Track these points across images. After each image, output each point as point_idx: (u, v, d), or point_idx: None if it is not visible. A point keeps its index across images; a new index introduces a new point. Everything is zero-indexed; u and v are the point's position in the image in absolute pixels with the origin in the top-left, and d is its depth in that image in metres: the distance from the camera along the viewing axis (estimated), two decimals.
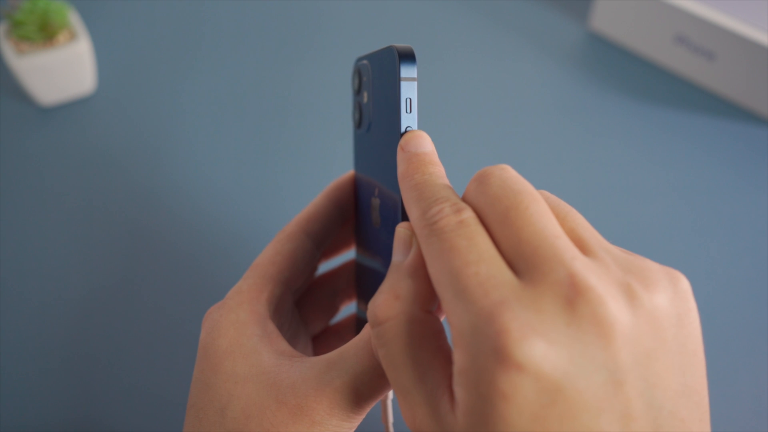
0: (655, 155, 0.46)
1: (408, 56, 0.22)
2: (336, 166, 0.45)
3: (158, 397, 0.34)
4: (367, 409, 0.22)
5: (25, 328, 0.37)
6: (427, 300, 0.19)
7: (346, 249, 0.31)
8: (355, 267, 0.30)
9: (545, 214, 0.17)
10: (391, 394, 0.26)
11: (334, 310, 0.30)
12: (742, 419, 0.34)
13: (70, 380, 0.35)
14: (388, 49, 0.23)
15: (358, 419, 0.22)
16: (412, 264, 0.19)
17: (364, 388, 0.21)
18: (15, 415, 0.33)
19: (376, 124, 0.25)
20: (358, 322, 0.30)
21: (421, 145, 0.21)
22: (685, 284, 0.17)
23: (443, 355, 0.18)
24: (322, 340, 0.31)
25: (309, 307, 0.30)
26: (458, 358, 0.16)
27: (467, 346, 0.16)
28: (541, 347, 0.15)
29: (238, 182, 0.44)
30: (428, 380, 0.18)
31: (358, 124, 0.27)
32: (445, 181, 0.20)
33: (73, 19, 0.47)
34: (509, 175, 0.19)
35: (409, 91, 0.22)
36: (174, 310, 0.38)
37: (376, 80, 0.24)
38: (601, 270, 0.16)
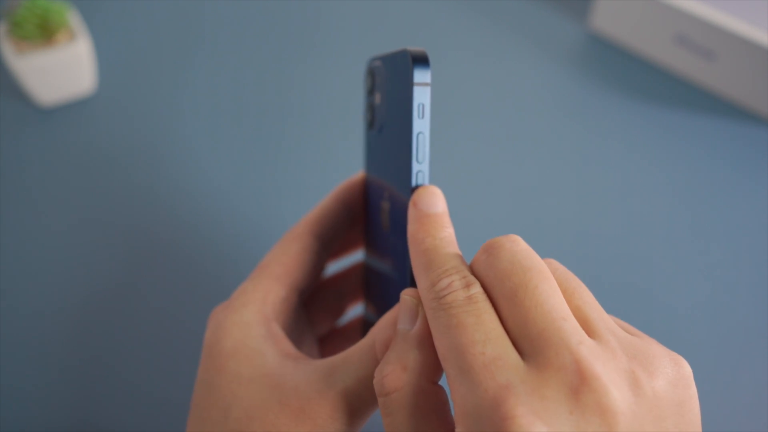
0: (655, 155, 0.46)
1: (422, 60, 0.22)
2: (338, 166, 0.45)
3: (161, 398, 0.34)
4: (369, 414, 0.22)
5: (26, 329, 0.37)
6: (433, 372, 0.19)
7: (354, 250, 0.31)
8: (364, 269, 0.30)
9: (553, 294, 0.17)
10: None
11: (341, 311, 0.30)
12: (742, 419, 0.34)
13: (72, 381, 0.35)
14: (402, 53, 0.23)
15: (361, 423, 0.22)
16: (419, 334, 0.20)
17: (367, 393, 0.21)
18: (16, 417, 0.33)
19: (388, 126, 0.24)
20: (364, 325, 0.30)
21: (433, 205, 0.21)
22: (687, 370, 0.18)
23: (447, 428, 0.19)
24: (329, 342, 0.31)
25: (316, 308, 0.30)
26: (459, 422, 0.16)
27: (471, 425, 0.16)
28: (539, 425, 0.15)
29: (239, 182, 0.44)
30: None
31: (370, 125, 0.27)
32: (456, 248, 0.20)
33: (73, 19, 0.47)
34: (519, 248, 0.19)
35: (422, 96, 0.22)
36: (176, 311, 0.38)
37: (390, 83, 0.24)
38: (607, 356, 0.16)
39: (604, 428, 0.15)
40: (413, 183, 0.22)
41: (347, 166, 0.45)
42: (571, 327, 0.17)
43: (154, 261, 0.40)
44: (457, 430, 0.17)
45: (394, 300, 0.25)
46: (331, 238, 0.28)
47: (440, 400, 0.19)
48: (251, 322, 0.23)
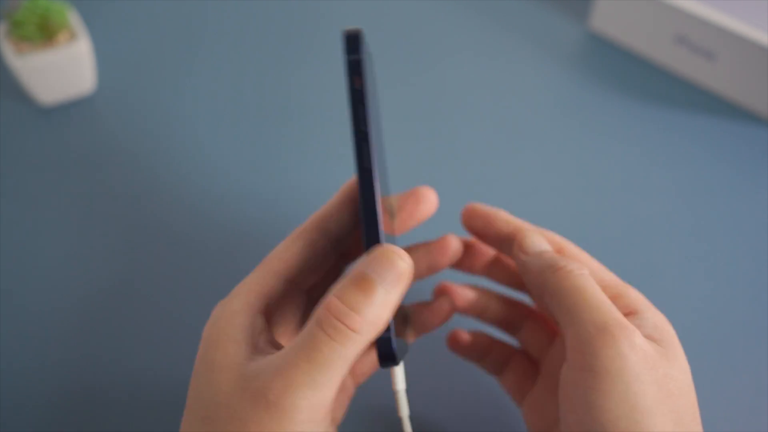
0: (655, 155, 0.46)
1: (354, 37, 0.22)
2: (340, 166, 0.45)
3: (160, 397, 0.34)
4: (329, 393, 0.21)
5: (26, 328, 0.37)
6: None
7: None
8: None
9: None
10: (402, 384, 0.25)
11: None
12: (742, 419, 0.34)
13: (71, 381, 0.35)
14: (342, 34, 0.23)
15: (319, 402, 0.21)
16: None
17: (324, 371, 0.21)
18: (16, 417, 0.33)
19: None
20: None
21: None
22: None
23: None
24: None
25: None
26: (649, 307, 0.26)
27: (601, 324, 0.23)
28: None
29: (240, 182, 0.44)
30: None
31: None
32: None
33: (73, 19, 0.47)
34: None
35: (355, 74, 0.22)
36: (177, 309, 0.38)
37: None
38: None
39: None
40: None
41: (350, 166, 0.45)
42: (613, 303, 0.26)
43: (155, 260, 0.40)
44: (643, 311, 0.25)
45: None
46: (340, 235, 0.28)
47: None
48: (236, 312, 0.24)
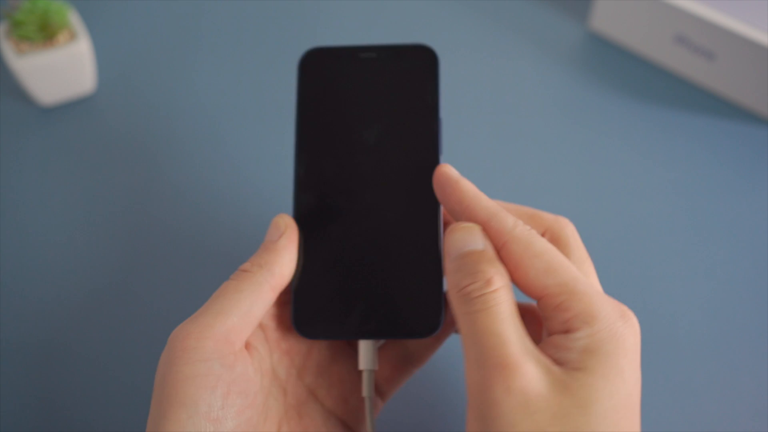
0: (655, 155, 0.46)
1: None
2: None
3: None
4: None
5: (25, 328, 0.37)
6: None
7: None
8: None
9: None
10: (369, 402, 0.26)
11: None
12: (742, 419, 0.34)
13: (71, 381, 0.35)
14: (420, 47, 0.28)
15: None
16: (493, 253, 0.23)
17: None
18: (15, 417, 0.33)
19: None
20: None
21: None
22: None
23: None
24: None
25: None
26: (586, 311, 0.21)
27: (598, 305, 0.22)
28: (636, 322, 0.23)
29: (240, 181, 0.44)
30: (527, 340, 0.21)
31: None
32: None
33: (73, 19, 0.47)
34: None
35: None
36: (177, 309, 0.38)
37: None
38: None
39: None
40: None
41: None
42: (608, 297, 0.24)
43: (156, 259, 0.40)
44: (579, 321, 0.21)
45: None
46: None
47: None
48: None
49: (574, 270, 0.22)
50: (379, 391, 0.29)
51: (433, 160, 0.28)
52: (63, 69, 0.46)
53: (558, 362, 0.21)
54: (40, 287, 0.39)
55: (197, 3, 0.58)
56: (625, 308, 0.22)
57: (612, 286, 0.39)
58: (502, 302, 0.22)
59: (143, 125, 0.48)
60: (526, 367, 0.20)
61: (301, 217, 0.28)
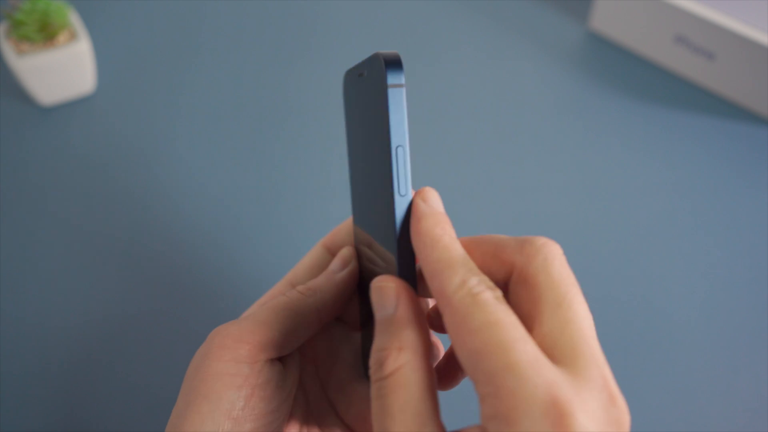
0: (655, 155, 0.46)
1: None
2: (339, 168, 0.45)
3: (158, 397, 0.34)
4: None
5: (25, 329, 0.37)
6: (428, 350, 0.20)
7: None
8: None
9: (587, 315, 0.19)
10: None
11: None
12: (742, 419, 0.34)
13: (71, 381, 0.35)
14: (374, 57, 0.22)
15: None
16: (407, 316, 0.20)
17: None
18: (16, 419, 0.33)
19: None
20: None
21: (439, 204, 0.22)
22: None
23: (438, 409, 0.19)
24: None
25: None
26: (506, 416, 0.17)
27: (522, 418, 0.17)
28: (591, 425, 0.17)
29: (239, 182, 0.44)
30: (428, 429, 0.18)
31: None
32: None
33: (73, 19, 0.47)
34: (565, 259, 0.20)
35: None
36: (177, 309, 0.38)
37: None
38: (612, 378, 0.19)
39: None
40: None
41: (347, 169, 0.45)
42: (597, 347, 0.18)
43: (156, 259, 0.40)
44: (499, 411, 0.17)
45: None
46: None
47: (434, 380, 0.20)
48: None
49: (515, 354, 0.17)
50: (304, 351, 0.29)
51: (389, 194, 0.23)
52: (63, 69, 0.46)
53: None
54: (40, 286, 0.39)
55: (197, 3, 0.58)
56: (565, 405, 0.17)
57: (610, 286, 0.39)
58: (397, 388, 0.19)
59: (142, 125, 0.48)
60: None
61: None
